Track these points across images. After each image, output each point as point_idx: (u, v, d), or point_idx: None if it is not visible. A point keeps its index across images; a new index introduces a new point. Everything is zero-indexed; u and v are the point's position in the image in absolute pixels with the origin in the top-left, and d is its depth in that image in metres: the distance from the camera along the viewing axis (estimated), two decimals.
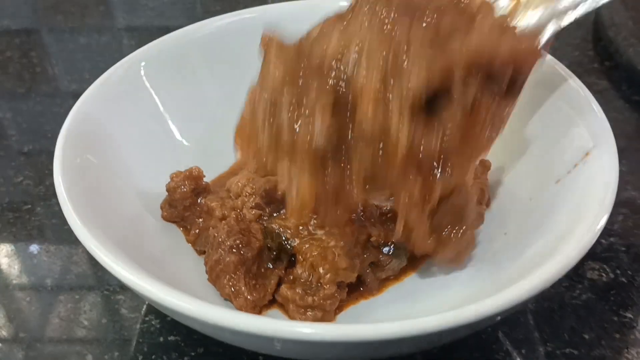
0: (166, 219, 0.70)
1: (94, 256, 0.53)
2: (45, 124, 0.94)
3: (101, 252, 0.53)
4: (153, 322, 0.66)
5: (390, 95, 0.48)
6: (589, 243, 0.52)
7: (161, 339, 0.65)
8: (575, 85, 0.68)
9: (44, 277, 0.72)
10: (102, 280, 0.71)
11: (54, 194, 0.60)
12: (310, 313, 0.61)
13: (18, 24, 1.21)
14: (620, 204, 0.77)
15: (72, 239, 0.75)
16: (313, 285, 0.61)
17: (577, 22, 0.98)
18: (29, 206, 0.81)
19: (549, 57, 0.74)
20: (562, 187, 0.64)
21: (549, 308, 0.67)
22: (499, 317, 0.54)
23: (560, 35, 1.12)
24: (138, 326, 0.66)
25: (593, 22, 1.12)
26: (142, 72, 0.75)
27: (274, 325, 0.47)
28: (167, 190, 0.69)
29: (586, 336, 0.64)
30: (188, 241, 0.69)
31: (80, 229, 0.55)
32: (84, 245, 0.54)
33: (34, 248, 0.75)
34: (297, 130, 0.50)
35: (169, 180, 0.69)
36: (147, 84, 0.76)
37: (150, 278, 0.51)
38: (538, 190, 0.66)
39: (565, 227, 0.57)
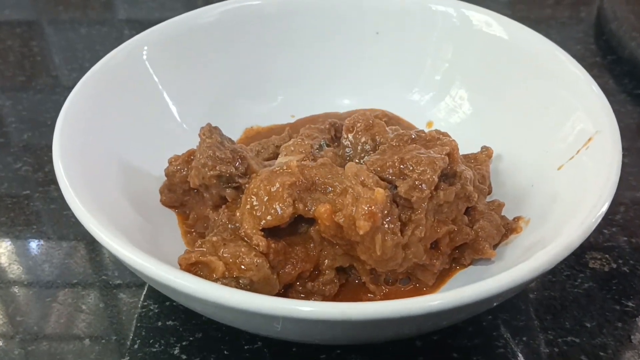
0: (165, 203, 0.69)
1: (95, 237, 0.53)
2: (45, 112, 0.94)
3: (102, 232, 0.52)
4: (151, 307, 0.66)
5: None
6: (591, 226, 0.52)
7: (159, 323, 0.64)
8: (575, 69, 0.68)
9: (43, 263, 0.71)
10: (100, 266, 0.71)
11: (52, 181, 0.60)
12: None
13: (19, 15, 1.20)
14: (623, 195, 0.77)
15: (70, 225, 0.75)
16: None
17: (578, 17, 0.99)
18: (28, 192, 0.80)
19: (549, 42, 0.74)
20: (564, 173, 0.63)
21: (550, 296, 0.66)
22: (497, 300, 0.54)
23: (562, 29, 1.13)
24: (137, 311, 0.65)
25: (595, 16, 1.12)
26: (144, 56, 0.75)
27: (273, 303, 0.47)
28: (166, 174, 0.68)
29: (587, 324, 0.63)
30: (187, 226, 0.68)
31: (80, 210, 0.54)
32: (85, 226, 0.54)
33: (32, 234, 0.75)
34: None
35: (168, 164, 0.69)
36: (149, 68, 0.75)
37: (152, 258, 0.50)
38: (540, 176, 0.66)
39: (567, 213, 0.57)
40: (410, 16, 0.82)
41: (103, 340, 0.63)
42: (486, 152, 0.69)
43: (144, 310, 0.66)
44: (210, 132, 0.65)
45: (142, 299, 0.67)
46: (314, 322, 0.46)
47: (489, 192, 0.69)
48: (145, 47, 0.75)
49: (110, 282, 0.69)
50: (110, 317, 0.65)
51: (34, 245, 0.74)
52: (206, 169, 0.62)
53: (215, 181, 0.62)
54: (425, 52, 0.82)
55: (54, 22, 1.19)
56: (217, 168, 0.62)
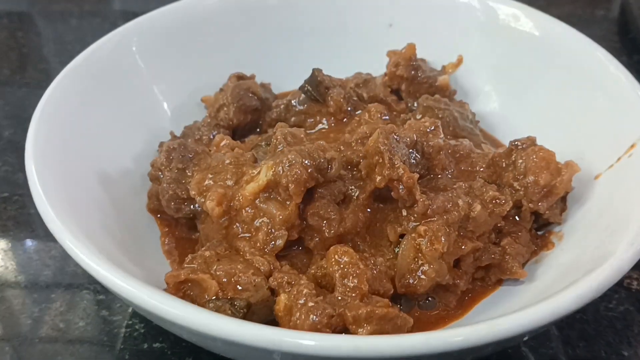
0: (151, 209, 0.63)
1: (73, 257, 0.46)
2: (30, 108, 0.85)
3: (74, 245, 0.46)
4: (137, 327, 0.59)
5: None
6: None
7: (145, 345, 0.57)
8: (617, 71, 0.62)
9: (19, 273, 0.65)
10: (81, 276, 0.64)
11: None
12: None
13: (9, 5, 1.13)
14: None
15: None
16: None
17: (600, 13, 0.92)
18: (6, 194, 0.73)
19: (585, 39, 0.67)
20: (602, 182, 0.57)
21: (581, 320, 0.59)
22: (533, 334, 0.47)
23: (583, 26, 1.07)
24: (120, 331, 0.59)
25: (619, 13, 1.05)
26: (134, 48, 0.69)
27: (271, 335, 0.40)
28: (150, 179, 0.62)
29: (625, 352, 0.57)
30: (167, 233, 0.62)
31: (55, 224, 0.48)
32: (61, 243, 0.47)
33: (7, 241, 0.68)
34: None
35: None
36: (139, 60, 0.69)
37: (136, 282, 0.43)
38: (575, 186, 0.59)
39: (611, 229, 0.50)
40: (428, 7, 0.75)
41: None
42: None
43: (128, 330, 0.59)
44: (169, 161, 0.59)
45: (127, 318, 0.60)
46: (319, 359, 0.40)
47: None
48: (135, 38, 0.69)
49: (91, 297, 0.62)
50: (90, 337, 0.58)
51: (10, 255, 0.67)
52: (171, 209, 0.59)
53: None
54: (444, 48, 0.75)
55: (44, 13, 1.12)
56: (181, 210, 0.59)
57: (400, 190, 0.53)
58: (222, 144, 0.59)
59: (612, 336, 0.58)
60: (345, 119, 0.67)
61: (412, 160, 0.56)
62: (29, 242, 0.68)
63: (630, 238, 0.46)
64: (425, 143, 0.56)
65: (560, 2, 1.13)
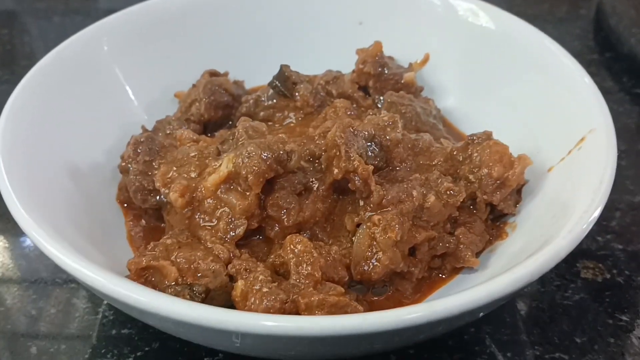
0: (120, 200, 0.65)
1: (38, 247, 0.48)
2: None
3: (46, 241, 0.48)
4: (106, 314, 0.61)
5: None
6: (580, 235, 0.47)
7: (114, 331, 0.59)
8: (568, 62, 0.64)
9: None
10: (52, 269, 0.65)
11: None
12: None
13: None
14: (619, 200, 0.72)
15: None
16: None
17: (577, 12, 0.94)
18: None
19: (539, 33, 0.69)
20: (554, 175, 0.58)
21: (538, 308, 0.61)
22: (480, 313, 0.49)
23: (560, 24, 1.08)
24: (89, 317, 0.60)
25: (595, 12, 1.07)
26: (104, 46, 0.71)
27: (227, 316, 0.42)
28: (120, 171, 0.64)
29: (578, 340, 0.58)
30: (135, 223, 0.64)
31: (23, 218, 0.50)
32: (26, 233, 0.49)
33: None
34: None
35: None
36: (107, 56, 0.71)
37: (96, 268, 0.45)
38: (529, 178, 0.61)
39: (556, 219, 0.52)
40: (393, 4, 0.77)
41: (51, 350, 0.58)
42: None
43: (97, 317, 0.61)
44: (136, 154, 0.61)
45: (98, 305, 0.62)
46: (276, 338, 0.41)
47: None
48: (105, 37, 0.71)
49: (63, 286, 0.64)
50: (59, 324, 0.60)
51: None
52: (138, 200, 0.62)
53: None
54: (412, 45, 0.77)
55: (29, 10, 1.14)
56: (147, 201, 0.61)
57: (357, 182, 0.55)
58: (186, 139, 0.61)
59: (567, 324, 0.60)
60: (313, 114, 0.69)
61: (370, 153, 0.58)
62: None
63: (569, 226, 0.48)
64: (383, 137, 0.58)
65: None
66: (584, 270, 0.65)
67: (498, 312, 0.60)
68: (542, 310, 0.61)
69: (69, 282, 0.64)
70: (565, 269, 0.64)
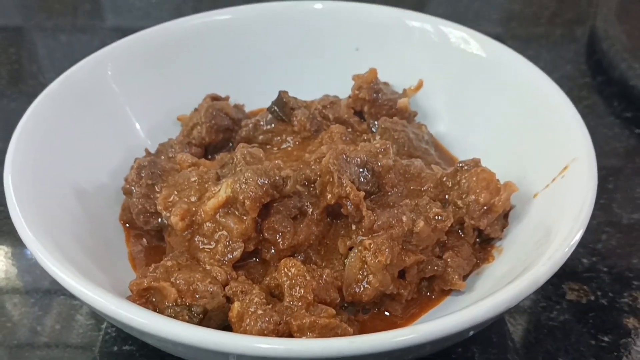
0: (123, 220, 0.67)
1: (42, 265, 0.51)
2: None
3: (49, 260, 0.50)
4: (109, 331, 0.63)
5: None
6: (560, 260, 0.49)
7: (115, 348, 0.62)
8: (554, 93, 0.66)
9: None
10: (56, 286, 0.67)
11: None
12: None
13: (5, 20, 1.18)
14: (605, 222, 0.74)
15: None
16: None
17: (572, 35, 0.96)
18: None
19: (528, 63, 0.72)
20: (540, 201, 0.61)
21: (524, 329, 0.64)
22: (469, 333, 0.51)
23: (554, 47, 1.11)
24: (92, 333, 0.63)
25: (588, 36, 1.10)
26: (108, 71, 0.74)
27: (222, 338, 0.44)
28: (124, 193, 0.66)
29: None
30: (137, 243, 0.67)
31: (28, 237, 0.52)
32: (31, 251, 0.52)
33: None
34: None
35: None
36: (113, 84, 0.74)
37: (97, 289, 0.48)
38: (517, 204, 0.64)
39: (540, 244, 0.54)
40: (388, 31, 0.80)
41: None
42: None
43: (100, 333, 0.63)
44: (139, 177, 0.64)
45: (101, 322, 0.64)
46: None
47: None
48: (110, 63, 0.74)
49: (67, 303, 0.66)
50: (62, 339, 0.63)
51: None
52: (140, 222, 0.64)
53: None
54: (406, 71, 0.80)
55: (37, 29, 1.17)
56: (149, 223, 0.64)
57: (349, 207, 0.58)
58: (185, 162, 0.64)
59: (551, 344, 0.62)
60: (310, 138, 0.72)
61: (362, 179, 0.60)
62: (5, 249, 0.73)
63: (549, 252, 0.50)
64: (375, 163, 0.61)
65: (536, 23, 1.18)
66: (569, 291, 0.67)
67: (486, 331, 0.62)
68: (529, 331, 0.63)
69: (72, 298, 0.66)
70: (552, 290, 0.67)
